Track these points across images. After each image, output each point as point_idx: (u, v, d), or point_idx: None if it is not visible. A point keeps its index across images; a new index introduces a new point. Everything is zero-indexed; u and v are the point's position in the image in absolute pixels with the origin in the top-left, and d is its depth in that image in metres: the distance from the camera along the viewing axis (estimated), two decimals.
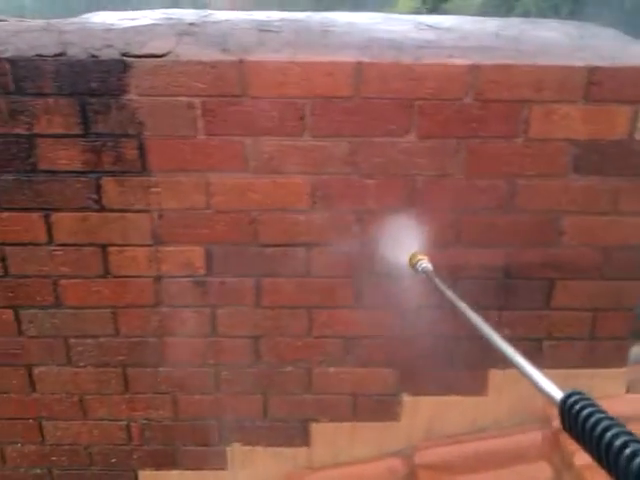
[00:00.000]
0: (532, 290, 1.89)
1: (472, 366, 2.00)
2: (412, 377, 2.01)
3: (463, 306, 1.39)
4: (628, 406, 1.99)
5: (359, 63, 1.61)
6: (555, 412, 1.96)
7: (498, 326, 1.92)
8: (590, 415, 0.84)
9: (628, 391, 2.06)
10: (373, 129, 1.68)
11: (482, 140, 1.70)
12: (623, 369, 2.02)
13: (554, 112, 1.66)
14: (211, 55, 1.62)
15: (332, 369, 2.00)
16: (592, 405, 0.86)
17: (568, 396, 0.91)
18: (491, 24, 1.76)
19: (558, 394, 0.95)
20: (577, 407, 0.87)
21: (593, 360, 1.98)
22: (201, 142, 1.70)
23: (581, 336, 1.95)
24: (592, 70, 1.63)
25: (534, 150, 1.71)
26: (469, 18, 1.79)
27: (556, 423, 1.98)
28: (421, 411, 2.07)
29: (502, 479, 1.90)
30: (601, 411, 0.85)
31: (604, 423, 0.81)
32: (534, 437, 2.03)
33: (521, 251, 1.83)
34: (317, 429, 2.09)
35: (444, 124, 1.68)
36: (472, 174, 1.74)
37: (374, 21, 1.72)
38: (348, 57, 1.62)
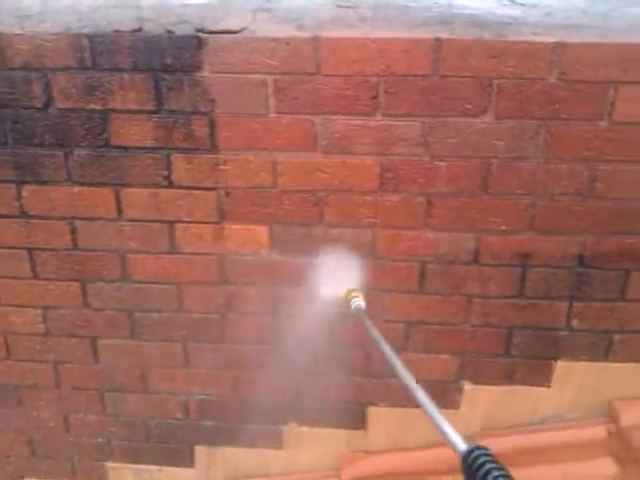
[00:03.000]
0: (606, 281, 1.82)
1: (536, 356, 1.95)
2: (473, 365, 1.97)
3: (387, 348, 1.44)
4: None
5: (438, 40, 1.56)
6: (623, 407, 1.91)
7: (568, 317, 1.87)
8: (488, 472, 0.88)
9: None
10: (449, 109, 1.64)
11: (564, 122, 1.63)
12: None
13: None
14: (286, 31, 1.60)
15: None
16: (491, 462, 0.90)
17: (470, 451, 0.95)
18: (580, 0, 1.67)
19: (462, 447, 0.99)
20: (478, 462, 0.91)
21: None
22: (271, 120, 1.68)
23: None
24: None
25: (618, 134, 1.63)
26: None
27: (624, 418, 1.92)
28: (481, 400, 2.03)
29: (564, 473, 1.85)
30: (499, 468, 0.88)
31: None
32: (598, 431, 1.97)
33: (597, 240, 1.76)
34: (374, 413, 2.08)
35: (524, 104, 1.62)
36: (551, 158, 1.68)
37: None
38: (427, 33, 1.57)
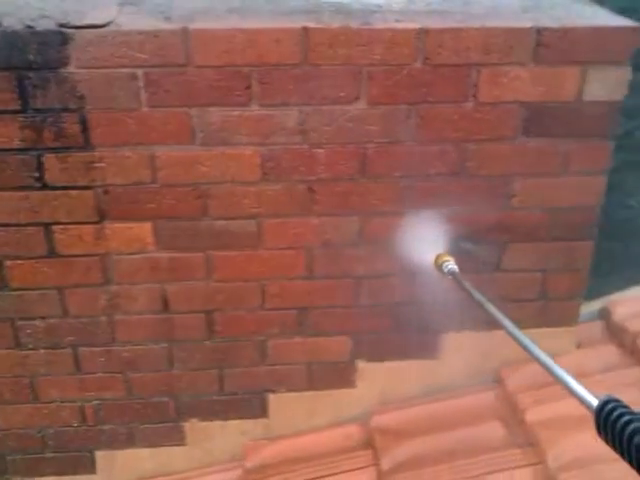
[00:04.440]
0: (483, 253, 1.91)
1: (425, 330, 2.03)
2: (366, 343, 2.03)
3: (492, 308, 1.43)
4: (579, 362, 2.06)
5: (305, 29, 1.57)
6: (508, 372, 2.02)
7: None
8: (628, 423, 0.87)
9: (579, 348, 2.12)
10: (322, 97, 1.66)
11: (432, 105, 1.69)
12: (574, 327, 2.08)
13: (503, 75, 1.66)
14: (153, 24, 1.56)
15: (286, 340, 2.00)
16: (630, 413, 0.89)
17: (605, 403, 0.93)
18: None
19: (594, 401, 0.97)
20: (615, 414, 0.90)
21: (544, 320, 2.03)
22: (145, 114, 1.64)
23: (532, 297, 1.99)
24: (540, 31, 1.62)
25: (484, 114, 1.71)
26: None
27: (509, 383, 2.04)
28: (376, 377, 2.09)
29: (456, 440, 1.94)
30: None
31: None
32: (487, 397, 2.08)
33: (472, 215, 1.85)
34: (274, 400, 2.10)
35: (394, 90, 1.66)
36: (423, 140, 1.74)
37: None
38: (294, 23, 1.58)
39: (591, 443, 1.72)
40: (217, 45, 1.57)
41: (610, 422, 0.90)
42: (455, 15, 1.63)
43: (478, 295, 1.53)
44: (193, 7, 1.59)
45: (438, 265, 1.78)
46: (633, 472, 1.60)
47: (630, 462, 0.86)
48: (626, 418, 0.88)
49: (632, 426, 0.86)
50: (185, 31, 1.55)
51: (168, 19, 1.56)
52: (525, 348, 1.27)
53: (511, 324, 1.35)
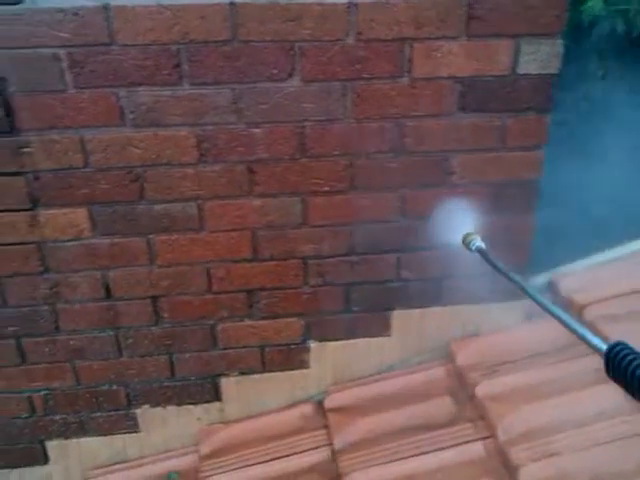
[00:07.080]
0: (428, 231, 1.89)
1: (373, 309, 2.02)
2: (317, 324, 2.02)
3: (518, 278, 1.49)
4: (528, 334, 2.07)
5: (233, 4, 1.53)
6: (458, 347, 2.02)
7: (397, 269, 1.94)
8: (632, 361, 0.96)
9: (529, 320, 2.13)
10: (255, 74, 1.62)
11: (367, 82, 1.66)
12: (521, 301, 2.07)
13: (436, 49, 1.64)
14: (72, 1, 1.49)
15: (236, 323, 1.98)
16: (633, 353, 0.98)
17: (613, 347, 1.02)
18: None
19: (603, 346, 1.06)
20: (620, 355, 0.99)
21: (492, 295, 2.02)
22: (72, 96, 1.59)
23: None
24: (471, 4, 1.60)
25: (420, 90, 1.69)
26: None
27: (459, 358, 2.04)
28: (329, 356, 2.08)
29: (407, 417, 1.95)
30: None
31: None
32: (438, 373, 2.08)
33: (414, 193, 1.83)
34: (227, 383, 2.08)
35: (327, 66, 1.63)
36: (361, 117, 1.71)
37: None
38: None
39: (539, 416, 1.76)
40: (141, 22, 1.52)
41: (617, 364, 0.99)
42: None
43: (504, 268, 1.58)
44: None
45: (466, 243, 1.80)
46: (579, 441, 1.63)
47: (633, 394, 0.96)
48: (630, 357, 0.97)
49: (635, 363, 0.95)
50: (107, 8, 1.50)
51: None
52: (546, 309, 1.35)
53: (537, 291, 1.43)
